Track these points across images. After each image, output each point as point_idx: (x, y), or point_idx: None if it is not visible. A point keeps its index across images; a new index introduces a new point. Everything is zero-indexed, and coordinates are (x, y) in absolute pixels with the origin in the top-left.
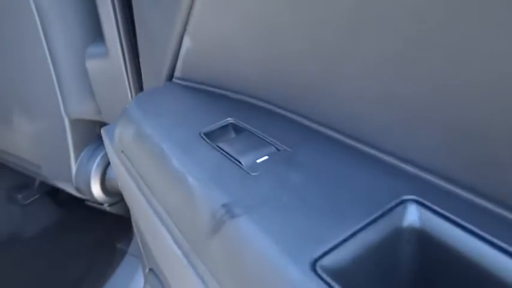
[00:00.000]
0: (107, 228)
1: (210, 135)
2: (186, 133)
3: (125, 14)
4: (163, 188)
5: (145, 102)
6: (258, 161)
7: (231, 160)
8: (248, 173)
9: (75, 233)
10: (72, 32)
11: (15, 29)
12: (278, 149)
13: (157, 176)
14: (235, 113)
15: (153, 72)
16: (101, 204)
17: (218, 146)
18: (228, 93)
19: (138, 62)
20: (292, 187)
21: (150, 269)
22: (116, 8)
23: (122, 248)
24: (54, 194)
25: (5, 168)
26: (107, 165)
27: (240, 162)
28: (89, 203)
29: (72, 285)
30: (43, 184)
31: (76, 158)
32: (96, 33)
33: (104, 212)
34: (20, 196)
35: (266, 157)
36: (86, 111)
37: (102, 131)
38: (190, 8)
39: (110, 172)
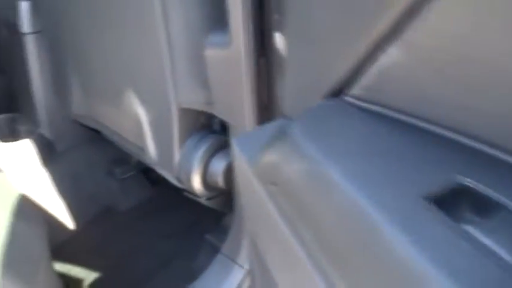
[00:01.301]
0: (197, 216)
1: (440, 203)
2: (397, 190)
3: (255, 1)
4: (351, 253)
5: (315, 127)
6: None
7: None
8: None
9: (165, 214)
10: (192, 18)
11: (134, 9)
12: None
13: (344, 234)
14: (457, 163)
15: (304, 80)
16: (198, 196)
17: (464, 230)
18: (435, 128)
19: (264, 56)
20: None
21: None
22: None
23: (210, 240)
24: (148, 172)
25: (106, 142)
26: (209, 158)
27: None
28: (186, 194)
29: (160, 265)
30: (139, 162)
31: (179, 147)
32: (217, 21)
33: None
34: (117, 170)
35: None
36: (196, 101)
37: (235, 143)
38: (412, 10)
39: (212, 166)
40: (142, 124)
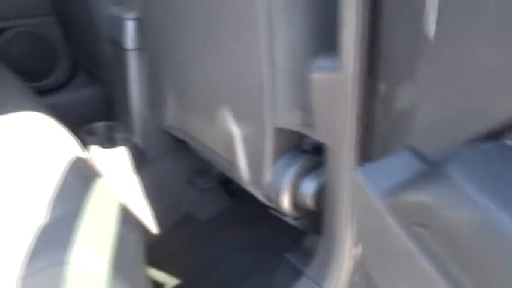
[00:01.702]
0: (276, 232)
1: None
2: None
3: (370, 23)
4: None
5: (479, 171)
6: None
7: None
8: None
9: (244, 227)
10: (297, 41)
11: (238, 29)
12: None
13: None
14: None
15: (441, 115)
16: (284, 215)
17: None
18: None
19: (377, 84)
20: None
21: None
22: (360, 16)
23: (290, 259)
24: (228, 184)
25: (190, 153)
26: (300, 178)
27: None
28: (272, 211)
29: (237, 278)
30: (220, 173)
31: (271, 166)
32: (323, 44)
33: (274, 215)
34: (199, 181)
35: None
36: (292, 121)
37: (359, 172)
38: None
39: (303, 186)
40: (235, 140)
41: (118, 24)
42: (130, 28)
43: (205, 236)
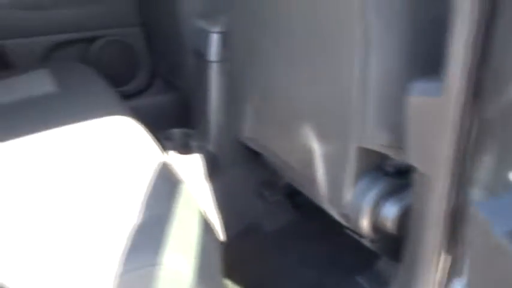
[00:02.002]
0: (345, 250)
1: None
2: None
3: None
4: None
5: None
6: None
7: None
8: None
9: (309, 241)
10: (394, 59)
11: (331, 48)
12: None
13: None
14: None
15: None
16: (361, 236)
17: None
18: None
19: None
20: None
21: None
22: (473, 35)
23: (361, 283)
24: (294, 196)
25: (260, 163)
26: (382, 200)
27: None
28: (348, 231)
29: None
30: (287, 186)
31: (351, 185)
32: (420, 65)
33: (342, 232)
34: (266, 192)
35: None
36: (378, 142)
37: (481, 207)
38: None
39: (384, 209)
40: (315, 156)
41: (203, 37)
42: (215, 41)
43: (270, 247)
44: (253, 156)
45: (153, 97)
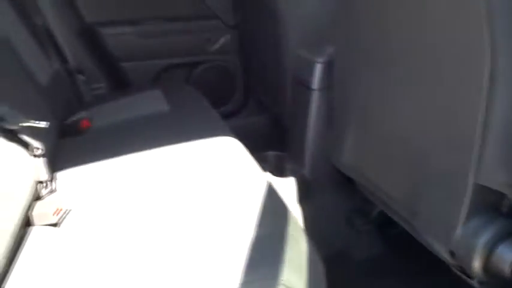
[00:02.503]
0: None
1: None
2: None
3: None
4: None
5: None
6: None
7: None
8: None
9: (399, 276)
10: None
11: (453, 74)
12: None
13: None
14: None
15: None
16: (468, 276)
17: None
18: None
19: None
20: None
21: None
22: None
23: None
24: (385, 227)
25: (353, 190)
26: (497, 242)
27: None
28: (454, 268)
29: None
30: (380, 215)
31: (463, 222)
32: None
33: (439, 271)
34: (357, 221)
35: None
36: (497, 180)
37: None
38: None
39: (500, 252)
40: (423, 189)
41: (307, 66)
42: (319, 70)
43: (357, 277)
44: (347, 183)
45: (247, 118)
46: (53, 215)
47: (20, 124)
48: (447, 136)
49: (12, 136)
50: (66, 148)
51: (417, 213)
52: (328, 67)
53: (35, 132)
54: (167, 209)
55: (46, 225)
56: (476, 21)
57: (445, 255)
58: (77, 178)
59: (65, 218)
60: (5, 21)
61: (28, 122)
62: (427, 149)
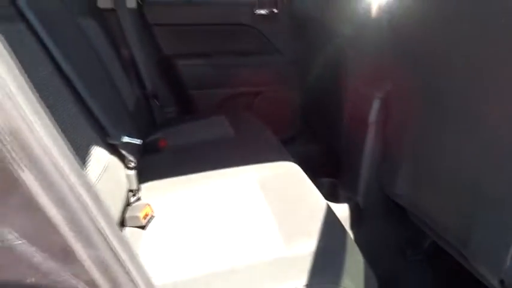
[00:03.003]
0: None
1: None
2: None
3: None
4: None
5: None
6: None
7: None
8: None
9: None
10: None
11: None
12: None
13: None
14: None
15: None
16: None
17: None
18: None
19: None
20: None
21: None
22: None
23: None
24: (436, 258)
25: (405, 220)
26: None
27: None
28: None
29: None
30: (431, 246)
31: None
32: None
33: None
34: (408, 251)
35: None
36: None
37: None
38: None
39: None
40: (476, 220)
41: (365, 101)
42: (375, 105)
43: None
44: (399, 212)
45: (303, 145)
46: (143, 218)
47: (121, 140)
48: (497, 165)
49: (113, 150)
50: (148, 163)
51: (468, 242)
52: (384, 102)
53: (129, 148)
54: (237, 221)
55: (135, 227)
56: None
57: (495, 285)
58: (158, 189)
59: (150, 222)
60: (102, 53)
61: (127, 139)
62: (478, 178)
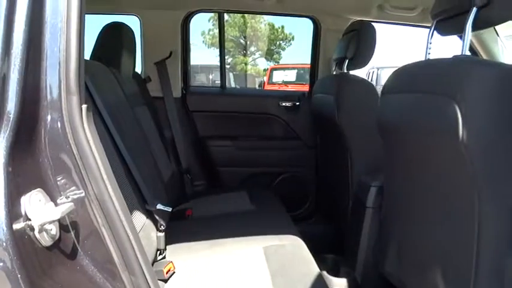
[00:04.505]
0: None
1: None
2: None
3: None
4: None
5: None
6: None
7: None
8: None
9: None
10: (503, 233)
11: (450, 210)
12: None
13: None
14: None
15: None
16: None
17: None
18: None
19: None
20: None
21: None
22: None
23: None
24: None
25: None
26: None
27: None
28: None
29: None
30: None
31: None
32: None
33: None
34: None
35: None
36: None
37: None
38: None
39: None
40: None
41: (365, 188)
42: (373, 192)
43: None
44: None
45: (315, 224)
46: (166, 273)
47: (155, 207)
48: (452, 254)
49: (149, 214)
50: (174, 228)
51: None
52: (381, 190)
53: (161, 214)
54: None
55: (159, 279)
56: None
57: None
58: (180, 250)
59: (171, 277)
60: (149, 132)
61: (160, 206)
62: (441, 262)
